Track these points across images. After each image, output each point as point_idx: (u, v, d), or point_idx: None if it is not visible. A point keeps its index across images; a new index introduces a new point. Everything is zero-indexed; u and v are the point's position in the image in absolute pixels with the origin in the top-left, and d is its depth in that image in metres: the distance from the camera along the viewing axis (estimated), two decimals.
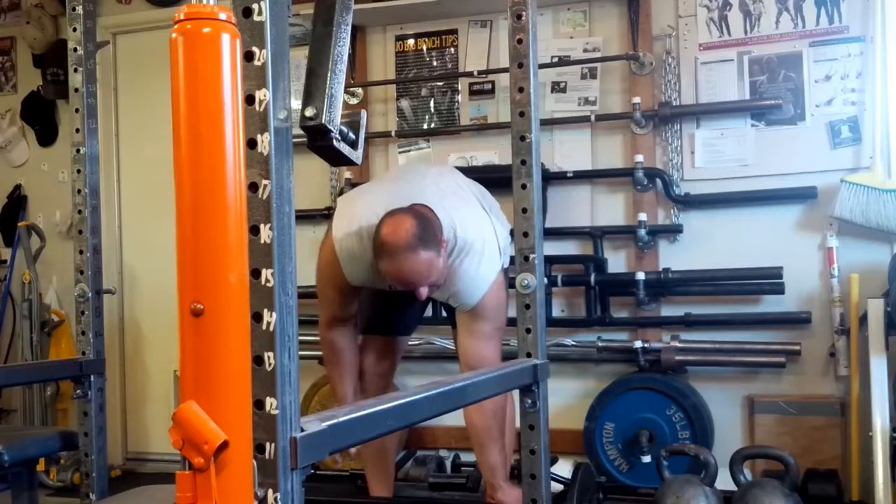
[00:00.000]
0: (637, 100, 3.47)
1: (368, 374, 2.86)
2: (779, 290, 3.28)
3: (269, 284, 0.98)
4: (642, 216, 3.45)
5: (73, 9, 2.36)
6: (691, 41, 3.50)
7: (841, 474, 3.12)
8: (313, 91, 1.16)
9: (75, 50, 2.37)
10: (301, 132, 1.17)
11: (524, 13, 1.95)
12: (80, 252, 2.37)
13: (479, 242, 2.49)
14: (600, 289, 3.46)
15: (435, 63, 3.86)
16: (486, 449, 2.59)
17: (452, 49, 3.84)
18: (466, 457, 3.56)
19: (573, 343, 3.51)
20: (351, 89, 3.87)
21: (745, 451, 2.90)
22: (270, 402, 0.97)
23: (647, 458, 3.20)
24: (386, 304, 2.82)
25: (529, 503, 1.93)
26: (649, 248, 3.49)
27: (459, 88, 3.84)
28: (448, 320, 2.85)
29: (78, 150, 2.38)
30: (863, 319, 3.14)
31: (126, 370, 4.47)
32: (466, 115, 3.80)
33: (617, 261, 3.54)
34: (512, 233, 2.09)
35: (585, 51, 3.65)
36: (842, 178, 3.24)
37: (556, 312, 3.59)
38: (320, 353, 3.70)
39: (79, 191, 2.38)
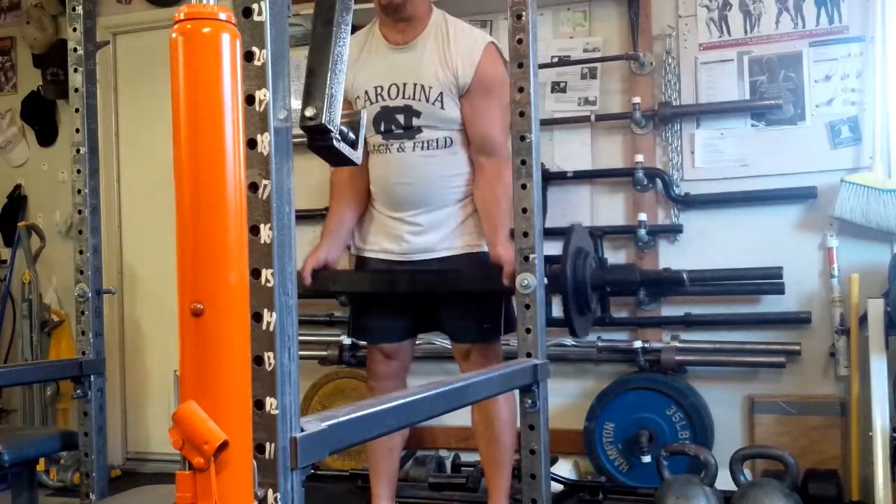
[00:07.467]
0: (637, 100, 3.47)
1: (380, 375, 2.83)
2: (779, 290, 3.28)
3: (269, 284, 0.98)
4: (642, 216, 3.45)
5: (73, 9, 2.35)
6: (691, 41, 3.50)
7: (841, 474, 3.12)
8: (313, 91, 1.16)
9: (75, 50, 2.37)
10: (301, 132, 1.17)
11: (524, 13, 1.95)
12: (80, 252, 2.37)
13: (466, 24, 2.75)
14: None
15: None
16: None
17: None
18: (466, 457, 3.56)
19: (573, 343, 3.50)
20: None
21: (745, 451, 2.90)
22: (270, 402, 0.97)
23: (647, 458, 3.20)
24: (386, 304, 2.81)
25: (529, 503, 1.93)
26: (649, 248, 3.49)
27: None
28: (451, 337, 2.83)
29: (78, 150, 2.37)
30: (863, 319, 3.14)
31: (126, 370, 4.47)
32: None
33: (617, 261, 3.54)
34: (512, 233, 2.10)
35: (585, 51, 3.65)
36: (842, 178, 3.24)
37: (556, 312, 3.58)
38: (320, 353, 3.73)
39: (79, 191, 2.38)
